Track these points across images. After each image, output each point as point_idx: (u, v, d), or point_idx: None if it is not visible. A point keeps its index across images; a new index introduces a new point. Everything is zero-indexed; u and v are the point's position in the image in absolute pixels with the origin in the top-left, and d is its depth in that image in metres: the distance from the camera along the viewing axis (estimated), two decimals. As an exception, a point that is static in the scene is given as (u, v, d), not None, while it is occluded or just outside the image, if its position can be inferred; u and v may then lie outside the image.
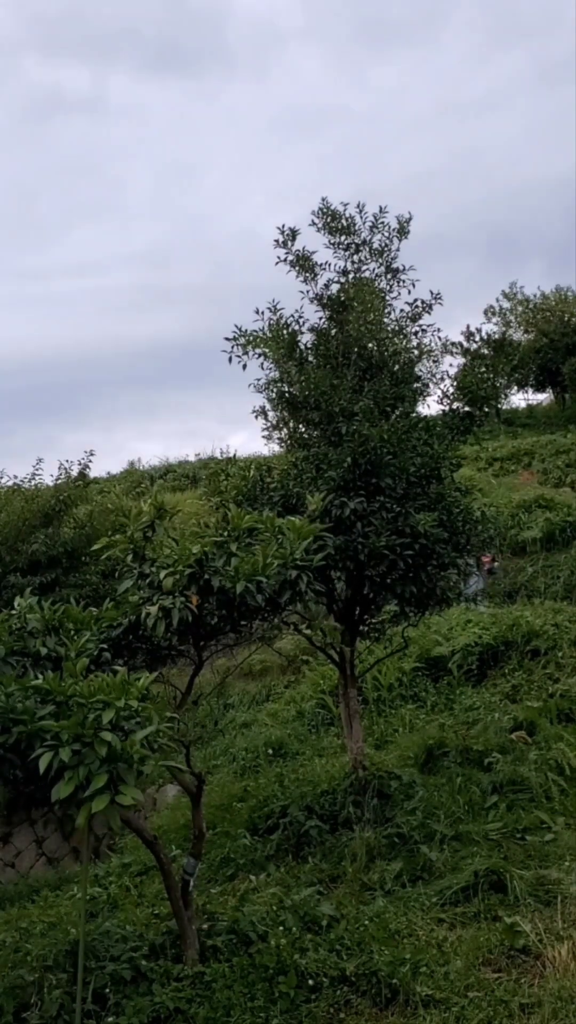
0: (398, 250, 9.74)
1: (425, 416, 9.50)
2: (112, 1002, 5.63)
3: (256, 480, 9.04)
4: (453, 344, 30.47)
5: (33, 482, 16.24)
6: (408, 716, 12.00)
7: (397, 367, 9.37)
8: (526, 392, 36.24)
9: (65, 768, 4.70)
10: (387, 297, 9.69)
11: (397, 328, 9.63)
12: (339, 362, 9.31)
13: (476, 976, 5.73)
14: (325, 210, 9.67)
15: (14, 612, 6.08)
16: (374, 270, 9.78)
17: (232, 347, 9.27)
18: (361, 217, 9.67)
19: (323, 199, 9.68)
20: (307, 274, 9.64)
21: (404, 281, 9.74)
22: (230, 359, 9.27)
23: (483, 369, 10.07)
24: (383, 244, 9.69)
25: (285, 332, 9.40)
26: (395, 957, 5.89)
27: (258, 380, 9.69)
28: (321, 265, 9.68)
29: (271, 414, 9.87)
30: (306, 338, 9.56)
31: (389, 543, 8.09)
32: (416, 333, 9.66)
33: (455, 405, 9.52)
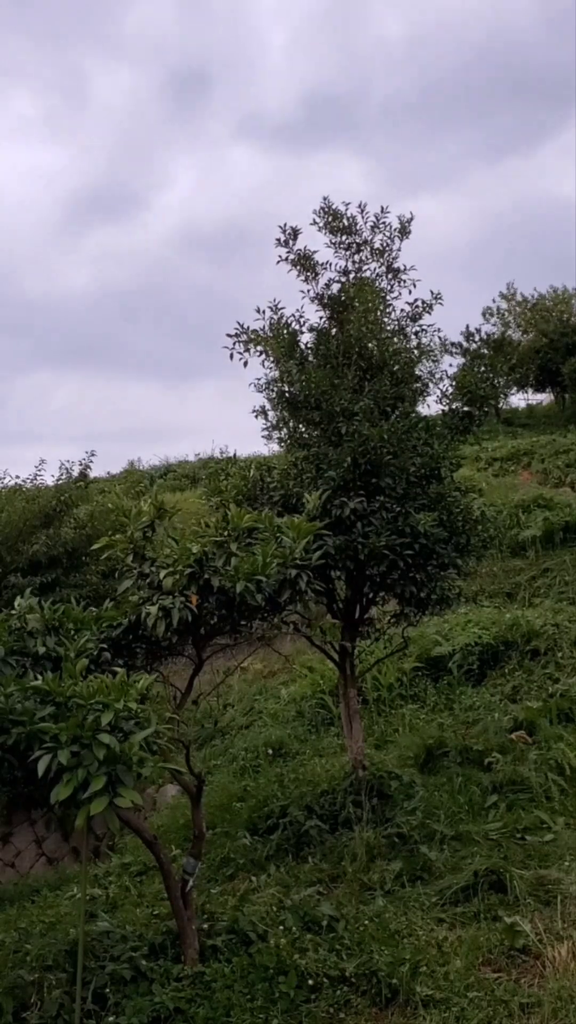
0: (399, 250, 9.72)
1: (425, 416, 9.49)
2: (112, 1002, 5.62)
3: (256, 480, 9.04)
4: (453, 344, 30.51)
5: (35, 482, 16.27)
6: (408, 716, 12.00)
7: (397, 367, 9.36)
8: (526, 392, 36.24)
9: (64, 770, 4.70)
10: (388, 297, 9.69)
11: (397, 328, 9.63)
12: (339, 362, 9.30)
13: (476, 976, 5.73)
14: (326, 209, 9.67)
15: (14, 612, 6.07)
16: (375, 270, 9.77)
17: (234, 343, 9.29)
18: (362, 217, 9.67)
19: (324, 199, 9.70)
20: (308, 274, 9.63)
21: (405, 281, 9.73)
22: (231, 356, 9.29)
23: (482, 369, 10.04)
24: (384, 244, 9.67)
25: (285, 332, 9.40)
26: (395, 957, 5.88)
27: (258, 379, 9.71)
28: (322, 265, 9.67)
29: (271, 414, 9.88)
30: (306, 338, 9.56)
31: (389, 543, 8.09)
32: (416, 333, 9.66)
33: (455, 405, 9.52)
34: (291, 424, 9.74)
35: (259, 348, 9.31)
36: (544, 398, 36.69)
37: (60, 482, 16.12)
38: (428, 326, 9.67)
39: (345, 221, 9.62)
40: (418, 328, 9.64)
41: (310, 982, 5.74)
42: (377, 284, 9.68)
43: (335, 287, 9.64)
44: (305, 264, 9.63)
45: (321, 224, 9.67)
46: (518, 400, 36.58)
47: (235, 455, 11.88)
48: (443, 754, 10.14)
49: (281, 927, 6.40)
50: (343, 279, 9.65)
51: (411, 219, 9.74)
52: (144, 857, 9.11)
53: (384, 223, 9.65)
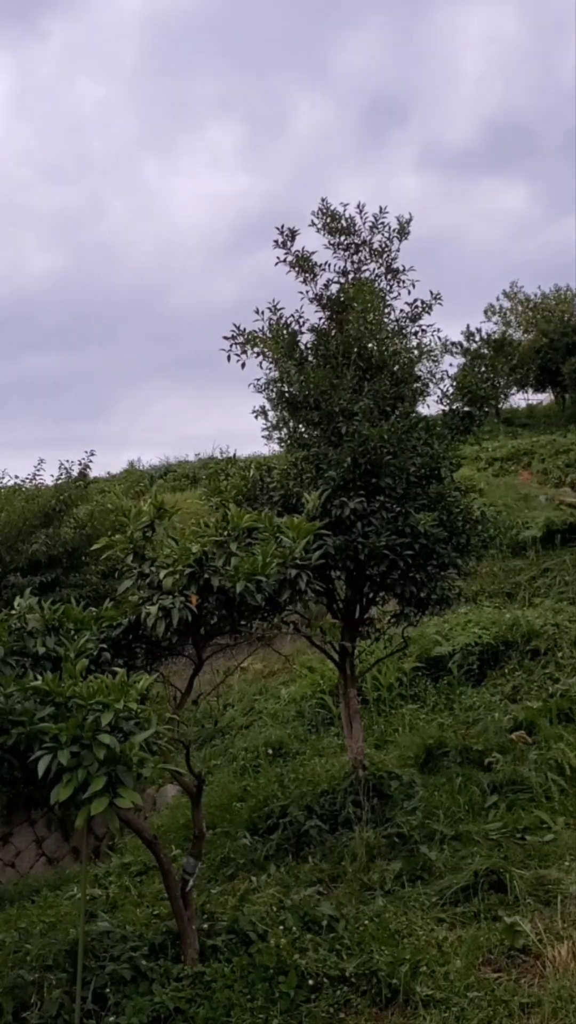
0: (398, 250, 9.73)
1: (425, 416, 9.49)
2: (112, 1002, 5.62)
3: (256, 480, 9.04)
4: (453, 344, 30.51)
5: (34, 482, 16.28)
6: (408, 716, 12.00)
7: (397, 367, 9.36)
8: (526, 392, 36.20)
9: (64, 770, 4.70)
10: (387, 297, 9.69)
11: (397, 328, 9.63)
12: (339, 362, 9.31)
13: (476, 976, 5.73)
14: (325, 210, 9.67)
15: (14, 612, 6.07)
16: (374, 270, 9.78)
17: (231, 346, 9.28)
18: (361, 217, 9.67)
19: (323, 199, 9.70)
20: (307, 274, 9.63)
21: (404, 281, 9.74)
22: (228, 358, 9.29)
23: (483, 369, 10.04)
24: (383, 244, 9.68)
25: (285, 332, 9.40)
26: (395, 957, 5.88)
27: (258, 380, 9.71)
28: (321, 265, 9.67)
29: (271, 414, 9.88)
30: (306, 338, 9.56)
31: (389, 543, 8.09)
32: (416, 333, 9.66)
33: (455, 405, 9.52)
34: (291, 424, 9.75)
35: (257, 349, 9.31)
36: (544, 398, 36.66)
37: (60, 482, 16.13)
38: (428, 326, 9.69)
39: (343, 222, 9.62)
40: (418, 328, 9.65)
41: (310, 982, 5.74)
42: (376, 285, 9.68)
43: (334, 288, 9.65)
44: (303, 265, 9.63)
45: (320, 225, 9.68)
46: (518, 400, 36.59)
47: (235, 455, 11.87)
48: (443, 754, 10.14)
49: (281, 927, 6.40)
50: (342, 280, 9.66)
51: (410, 219, 9.75)
52: (144, 857, 9.11)
53: (383, 223, 9.66)
